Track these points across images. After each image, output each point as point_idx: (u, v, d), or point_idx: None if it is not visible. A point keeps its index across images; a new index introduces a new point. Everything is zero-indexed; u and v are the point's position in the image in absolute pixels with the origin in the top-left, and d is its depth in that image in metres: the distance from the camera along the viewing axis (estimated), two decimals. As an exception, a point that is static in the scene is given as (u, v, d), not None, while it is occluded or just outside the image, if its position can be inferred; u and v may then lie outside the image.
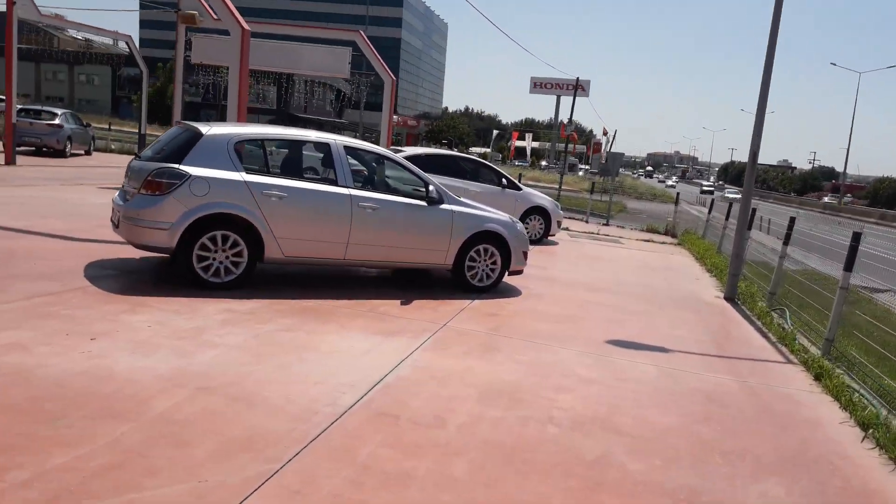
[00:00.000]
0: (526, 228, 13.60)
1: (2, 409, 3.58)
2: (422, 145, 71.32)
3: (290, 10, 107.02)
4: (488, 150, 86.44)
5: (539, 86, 80.00)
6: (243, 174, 6.64)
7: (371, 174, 7.93)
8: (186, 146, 6.61)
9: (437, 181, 11.49)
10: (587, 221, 20.69)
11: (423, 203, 7.51)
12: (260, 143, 7.14)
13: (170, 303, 5.98)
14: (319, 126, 65.83)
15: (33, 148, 21.84)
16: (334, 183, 7.07)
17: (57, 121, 22.28)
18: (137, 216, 6.45)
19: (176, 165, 6.45)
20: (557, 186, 26.72)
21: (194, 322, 5.52)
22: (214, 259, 6.59)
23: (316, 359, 5.02)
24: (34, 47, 72.53)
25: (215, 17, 10.39)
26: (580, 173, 67.01)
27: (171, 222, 6.37)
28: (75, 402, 3.77)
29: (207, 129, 6.73)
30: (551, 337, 6.48)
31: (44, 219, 9.33)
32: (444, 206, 7.62)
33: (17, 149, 21.03)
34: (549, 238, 14.27)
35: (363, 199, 7.12)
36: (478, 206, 8.11)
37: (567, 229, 17.27)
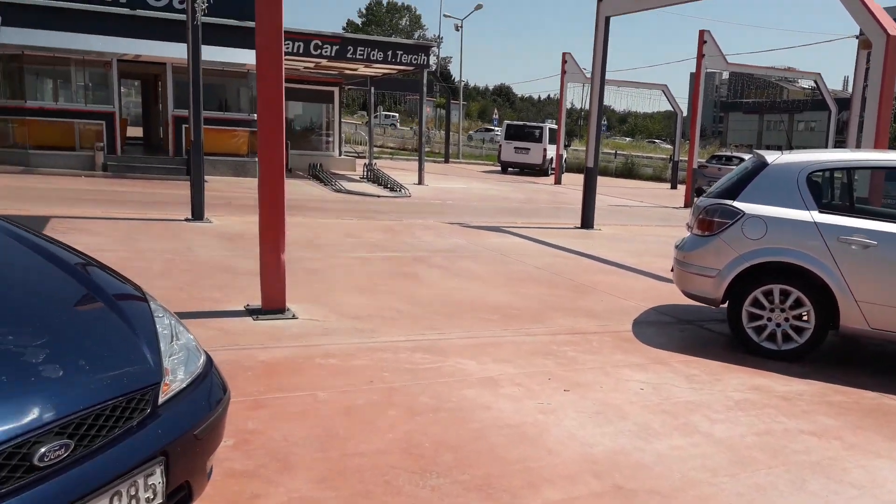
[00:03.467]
0: None
1: (403, 450, 3.32)
2: None
3: None
4: None
5: None
6: (814, 213, 4.89)
7: None
8: (747, 179, 5.29)
9: None
10: None
11: None
12: (848, 172, 5.17)
13: (692, 364, 4.83)
14: None
15: (719, 191, 22.54)
16: (965, 229, 4.53)
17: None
18: (685, 259, 5.50)
19: (729, 202, 5.23)
20: None
21: (699, 394, 4.27)
22: (770, 320, 5.06)
23: (824, 492, 3.14)
24: (759, 100, 76.14)
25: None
26: None
27: (717, 269, 5.20)
28: (470, 462, 3.23)
29: (775, 157, 5.24)
30: None
31: (655, 257, 9.17)
32: None
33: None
34: None
35: None
36: None
37: None
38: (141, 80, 24.17)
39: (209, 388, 2.28)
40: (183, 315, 5.08)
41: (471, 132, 48.52)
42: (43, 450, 1.63)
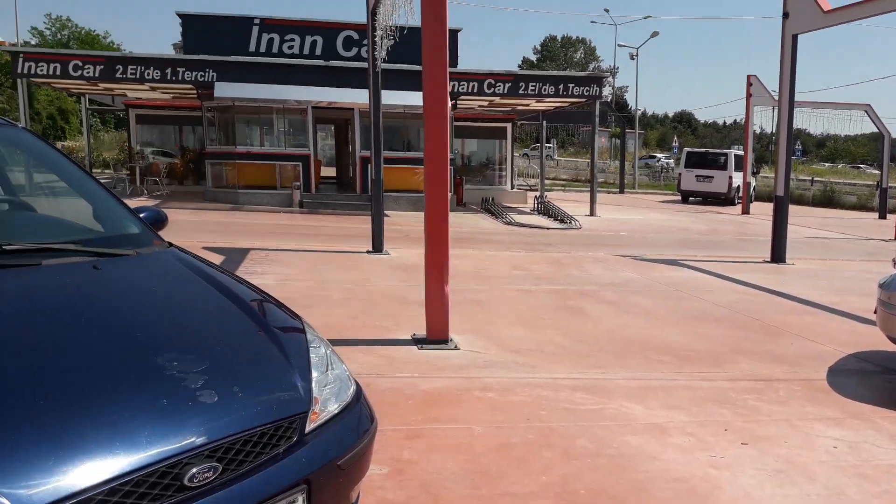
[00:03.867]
0: None
1: (557, 495, 3.14)
2: None
3: None
4: None
5: None
6: None
7: None
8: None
9: None
10: None
11: None
12: None
13: (901, 422, 4.15)
14: None
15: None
16: None
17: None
18: (890, 300, 4.79)
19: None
20: None
21: (909, 458, 3.64)
22: None
23: None
24: None
25: None
26: None
27: (932, 311, 4.46)
28: (628, 513, 2.99)
29: None
30: None
31: (858, 296, 8.10)
32: None
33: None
34: None
35: None
36: None
37: None
38: (334, 124, 26.23)
39: (357, 419, 2.29)
40: (353, 342, 5.33)
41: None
42: (194, 471, 1.71)
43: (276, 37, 18.32)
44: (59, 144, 35.63)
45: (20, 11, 77.26)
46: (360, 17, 10.87)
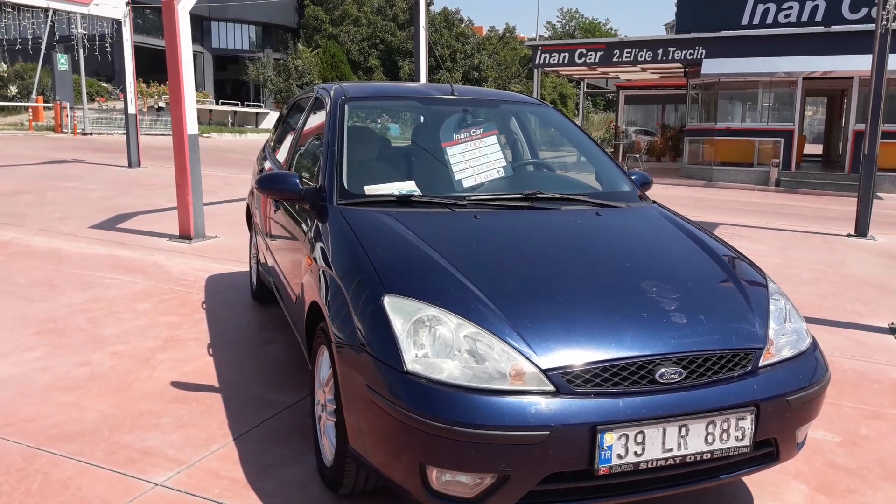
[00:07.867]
0: None
1: None
2: None
3: None
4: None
5: None
6: None
7: None
8: None
9: None
10: None
11: None
12: None
13: None
14: None
15: None
16: None
17: None
18: None
19: None
20: None
21: None
22: None
23: None
24: None
25: None
26: None
27: None
28: None
29: None
30: None
31: None
32: None
33: None
34: None
35: None
36: None
37: None
38: (827, 96, 23.52)
39: (811, 366, 2.42)
40: (819, 321, 5.12)
41: None
42: (662, 370, 2.14)
43: (772, 6, 17.28)
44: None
45: (540, 8, 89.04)
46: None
